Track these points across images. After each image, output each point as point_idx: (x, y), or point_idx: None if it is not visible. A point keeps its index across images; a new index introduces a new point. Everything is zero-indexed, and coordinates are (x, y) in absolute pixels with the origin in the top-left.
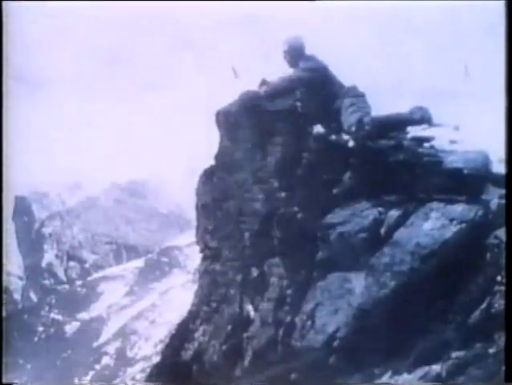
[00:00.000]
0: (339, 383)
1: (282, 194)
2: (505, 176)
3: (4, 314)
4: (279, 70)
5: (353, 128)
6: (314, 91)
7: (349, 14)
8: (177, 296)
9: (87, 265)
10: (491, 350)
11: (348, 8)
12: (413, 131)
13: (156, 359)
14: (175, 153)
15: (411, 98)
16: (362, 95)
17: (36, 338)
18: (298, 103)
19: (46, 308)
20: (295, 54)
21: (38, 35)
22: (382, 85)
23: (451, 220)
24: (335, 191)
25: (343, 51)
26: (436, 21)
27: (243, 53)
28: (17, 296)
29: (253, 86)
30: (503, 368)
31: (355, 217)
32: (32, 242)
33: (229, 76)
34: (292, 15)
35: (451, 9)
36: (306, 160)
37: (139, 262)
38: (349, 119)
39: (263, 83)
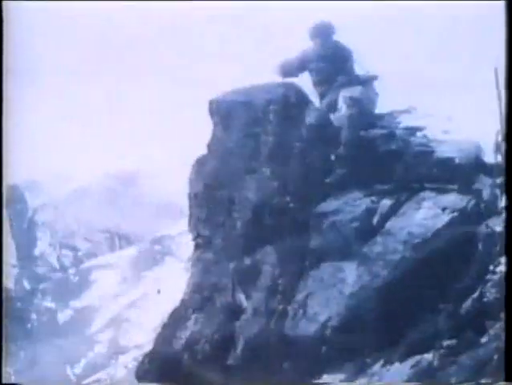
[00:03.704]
0: (331, 372)
1: (275, 183)
2: (505, 176)
3: None
4: (270, 61)
5: (344, 119)
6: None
7: (345, 8)
8: (170, 284)
9: (80, 254)
10: (483, 340)
11: (345, 2)
12: (406, 121)
13: (149, 348)
14: (168, 142)
15: (405, 88)
16: (361, 85)
17: (29, 326)
18: (291, 93)
19: (39, 296)
20: (323, 32)
21: (37, 34)
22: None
23: (443, 209)
24: (327, 180)
25: (343, 40)
26: (436, 20)
27: (235, 42)
28: (10, 284)
29: (245, 75)
30: (495, 357)
31: (347, 206)
32: (25, 230)
33: (223, 66)
34: (284, 8)
35: (451, 8)
36: (299, 149)
37: (131, 251)
38: (341, 109)
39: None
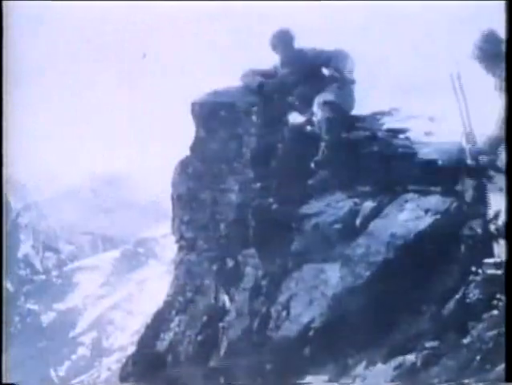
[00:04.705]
0: (314, 373)
1: (258, 185)
2: (506, 175)
3: None
4: (257, 62)
5: (322, 123)
6: (296, 79)
7: (327, 5)
8: (153, 286)
9: (63, 256)
10: (465, 341)
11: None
12: (388, 123)
13: (132, 350)
14: (151, 144)
15: (388, 89)
16: (341, 88)
17: (12, 329)
18: (275, 95)
19: (23, 298)
20: (284, 44)
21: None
22: (360, 76)
23: (426, 211)
24: (310, 182)
25: (319, 44)
26: (434, 19)
27: (221, 45)
28: None
29: (230, 77)
30: (477, 357)
31: (330, 208)
32: (8, 233)
33: (206, 68)
34: (269, 8)
35: (450, 8)
36: (281, 150)
37: (115, 253)
38: (320, 112)
39: (248, 74)
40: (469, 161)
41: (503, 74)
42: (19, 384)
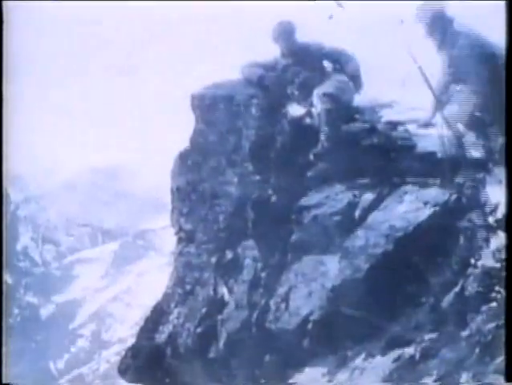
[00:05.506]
0: (313, 365)
1: (257, 177)
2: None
3: None
4: (258, 56)
5: (322, 115)
6: (296, 72)
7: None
8: (152, 279)
9: (62, 248)
10: (464, 333)
11: None
12: (388, 115)
13: (131, 342)
14: (150, 136)
15: (387, 82)
16: (344, 81)
17: (11, 321)
18: (275, 87)
19: (22, 291)
20: (285, 35)
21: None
22: (364, 68)
23: (425, 203)
24: (309, 174)
25: (325, 37)
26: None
27: (220, 40)
28: None
29: (231, 72)
30: (477, 350)
31: (329, 200)
32: (7, 225)
33: (206, 61)
34: (271, 7)
35: (450, 7)
36: (280, 143)
37: (114, 245)
38: (319, 104)
39: (247, 66)
40: (452, 151)
41: (442, 36)
42: (19, 376)
